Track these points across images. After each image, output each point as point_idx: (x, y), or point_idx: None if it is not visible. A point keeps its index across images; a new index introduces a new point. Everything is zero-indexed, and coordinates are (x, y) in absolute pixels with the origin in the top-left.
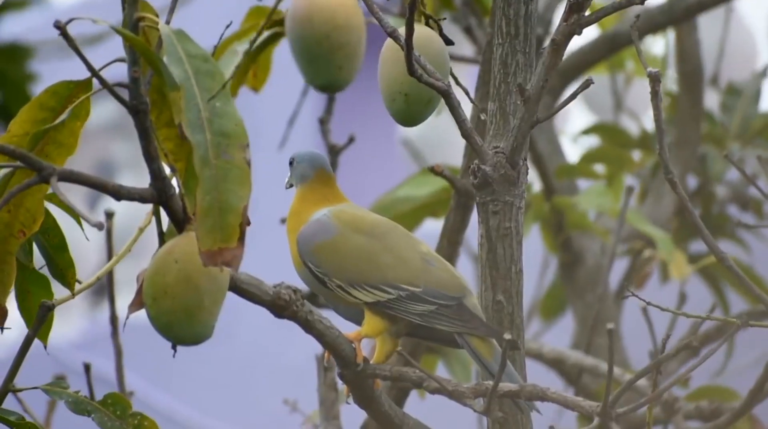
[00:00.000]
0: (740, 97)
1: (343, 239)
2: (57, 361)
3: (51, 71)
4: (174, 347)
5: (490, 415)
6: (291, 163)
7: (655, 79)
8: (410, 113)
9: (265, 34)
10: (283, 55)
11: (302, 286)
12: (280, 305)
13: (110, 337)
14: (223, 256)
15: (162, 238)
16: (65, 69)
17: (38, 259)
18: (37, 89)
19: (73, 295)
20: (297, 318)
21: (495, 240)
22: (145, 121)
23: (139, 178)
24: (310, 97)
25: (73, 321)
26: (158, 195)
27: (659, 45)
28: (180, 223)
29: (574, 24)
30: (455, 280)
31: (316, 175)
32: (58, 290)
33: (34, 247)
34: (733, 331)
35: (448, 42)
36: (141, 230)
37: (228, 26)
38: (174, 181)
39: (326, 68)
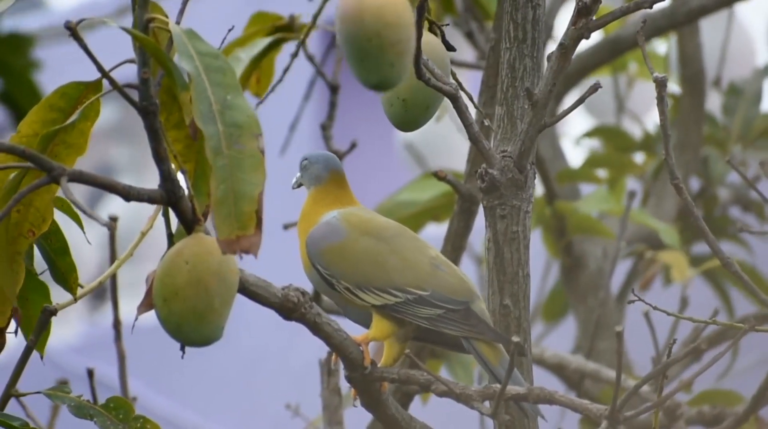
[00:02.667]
0: (741, 97)
1: (352, 242)
2: (57, 366)
3: (55, 58)
4: (183, 348)
5: (498, 418)
6: (302, 164)
7: (661, 84)
8: (408, 118)
9: (268, 40)
10: (285, 61)
11: (309, 289)
12: (288, 307)
13: (110, 341)
14: (240, 244)
15: (171, 239)
16: (68, 56)
17: (39, 264)
18: (42, 77)
19: (75, 300)
20: (305, 320)
21: (502, 244)
22: (155, 123)
23: (139, 181)
24: (311, 102)
25: (72, 325)
26: (167, 196)
27: (663, 46)
28: (189, 224)
29: (582, 28)
30: (463, 285)
31: (330, 176)
32: (59, 295)
33: (36, 251)
34: (739, 336)
35: (450, 48)
36: (143, 234)
37: (230, 30)
38: (183, 183)
39: (378, 66)
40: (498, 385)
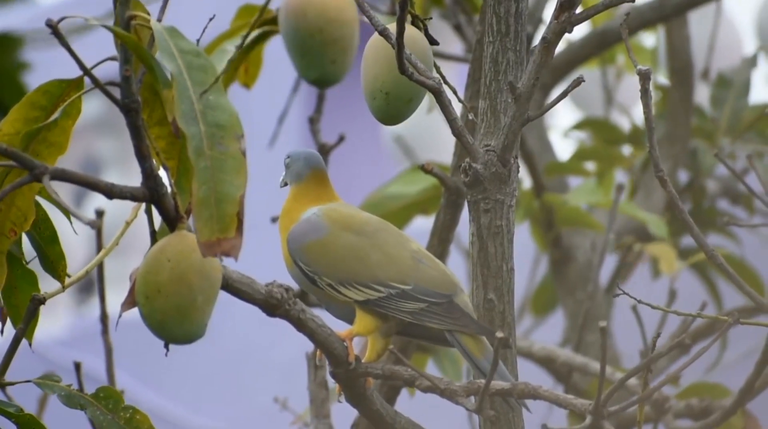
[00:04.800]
0: (730, 89)
1: (333, 238)
2: (43, 359)
3: (43, 61)
4: (167, 346)
5: (482, 413)
6: (286, 162)
7: (645, 77)
8: (390, 111)
9: (257, 31)
10: (273, 52)
11: (293, 285)
12: (272, 304)
13: (96, 334)
14: (221, 247)
15: (154, 236)
16: (57, 59)
17: (28, 252)
18: (30, 79)
19: (64, 288)
20: (289, 317)
21: (486, 238)
22: (137, 120)
23: (125, 175)
24: (299, 95)
25: (59, 318)
26: (150, 193)
27: (650, 39)
28: (172, 221)
29: (565, 22)
30: (446, 278)
31: (311, 174)
32: (45, 285)
33: (25, 239)
34: (724, 329)
35: (433, 42)
36: (128, 224)
37: (211, 19)
38: (165, 180)
39: (319, 62)
40: (482, 381)
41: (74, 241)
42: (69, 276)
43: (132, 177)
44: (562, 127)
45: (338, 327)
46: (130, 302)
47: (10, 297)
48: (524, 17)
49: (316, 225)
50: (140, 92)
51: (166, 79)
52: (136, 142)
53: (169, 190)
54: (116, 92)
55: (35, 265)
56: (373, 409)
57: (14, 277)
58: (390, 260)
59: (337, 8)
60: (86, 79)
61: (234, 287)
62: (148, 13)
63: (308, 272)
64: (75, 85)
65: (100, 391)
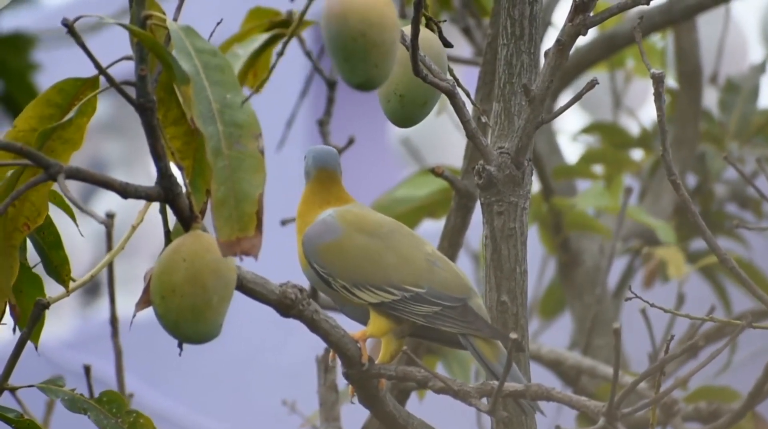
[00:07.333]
0: (739, 93)
1: (348, 240)
2: (50, 361)
3: (53, 61)
4: (180, 345)
5: (495, 414)
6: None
7: (658, 80)
8: (405, 114)
9: (266, 35)
10: (283, 56)
11: (307, 285)
12: (286, 304)
13: (103, 336)
14: (241, 246)
15: (168, 236)
16: (66, 59)
17: (32, 258)
18: (40, 79)
19: (68, 293)
20: (303, 317)
21: (499, 240)
22: (153, 119)
23: (131, 176)
24: (308, 98)
25: (65, 320)
26: (165, 193)
27: (661, 42)
28: (187, 221)
29: (579, 24)
30: (459, 281)
31: (316, 174)
32: (52, 289)
33: (29, 244)
34: (737, 333)
35: (448, 44)
36: (134, 228)
37: (219, 23)
38: (180, 179)
39: (362, 66)
40: (496, 382)
41: (80, 244)
42: (74, 280)
43: (137, 179)
44: (570, 131)
45: (351, 328)
46: (145, 301)
47: (17, 301)
48: (538, 20)
49: (330, 227)
50: (155, 92)
51: (183, 74)
52: (151, 142)
53: (184, 189)
54: (131, 92)
55: (41, 269)
56: (386, 410)
57: (20, 281)
58: (404, 263)
59: (378, 13)
60: (101, 78)
61: (248, 287)
62: (164, 13)
63: (323, 274)
64: (90, 83)
65: (103, 395)
